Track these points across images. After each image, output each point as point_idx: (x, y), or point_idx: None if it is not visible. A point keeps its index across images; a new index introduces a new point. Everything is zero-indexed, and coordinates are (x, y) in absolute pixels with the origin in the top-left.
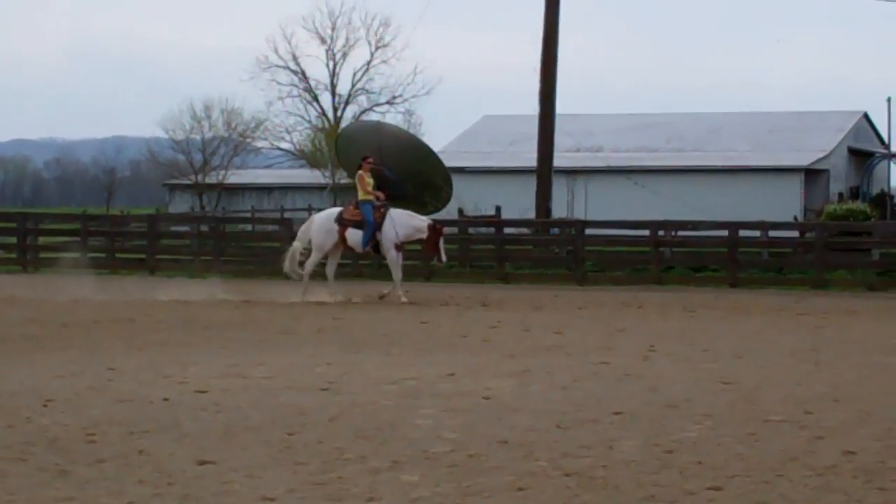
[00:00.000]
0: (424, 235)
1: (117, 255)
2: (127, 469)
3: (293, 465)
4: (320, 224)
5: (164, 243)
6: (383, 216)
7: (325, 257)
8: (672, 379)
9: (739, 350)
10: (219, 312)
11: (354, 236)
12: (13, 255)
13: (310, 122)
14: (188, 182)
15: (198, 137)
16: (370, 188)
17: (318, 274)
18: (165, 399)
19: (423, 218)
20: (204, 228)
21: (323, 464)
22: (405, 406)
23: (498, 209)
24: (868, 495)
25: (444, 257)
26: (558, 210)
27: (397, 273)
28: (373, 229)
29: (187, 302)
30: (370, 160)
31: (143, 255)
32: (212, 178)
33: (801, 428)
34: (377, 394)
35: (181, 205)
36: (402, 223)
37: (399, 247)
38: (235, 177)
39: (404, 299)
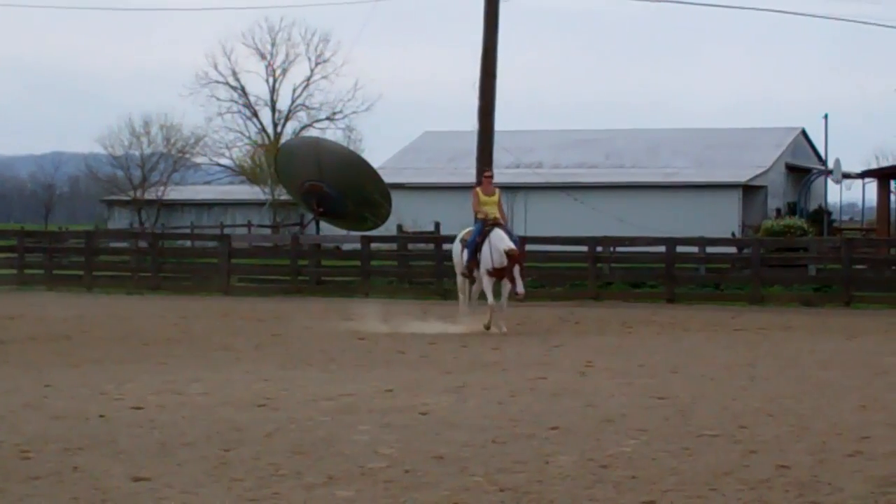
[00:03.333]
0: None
1: (54, 271)
2: (61, 486)
3: (229, 482)
4: (454, 244)
5: (102, 259)
6: (485, 238)
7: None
8: (608, 394)
9: (676, 365)
10: (156, 329)
11: (458, 257)
12: None
13: (249, 137)
14: (127, 198)
15: (137, 153)
16: (482, 206)
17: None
18: (101, 416)
19: (510, 242)
20: (142, 244)
21: (258, 480)
22: (342, 422)
23: (437, 225)
24: None
25: (520, 288)
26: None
27: (490, 298)
28: (471, 252)
29: (124, 318)
30: (488, 173)
31: (80, 272)
32: (151, 194)
33: (735, 442)
34: (314, 410)
35: (120, 221)
36: (498, 247)
37: (494, 273)
38: (175, 193)
39: (504, 329)
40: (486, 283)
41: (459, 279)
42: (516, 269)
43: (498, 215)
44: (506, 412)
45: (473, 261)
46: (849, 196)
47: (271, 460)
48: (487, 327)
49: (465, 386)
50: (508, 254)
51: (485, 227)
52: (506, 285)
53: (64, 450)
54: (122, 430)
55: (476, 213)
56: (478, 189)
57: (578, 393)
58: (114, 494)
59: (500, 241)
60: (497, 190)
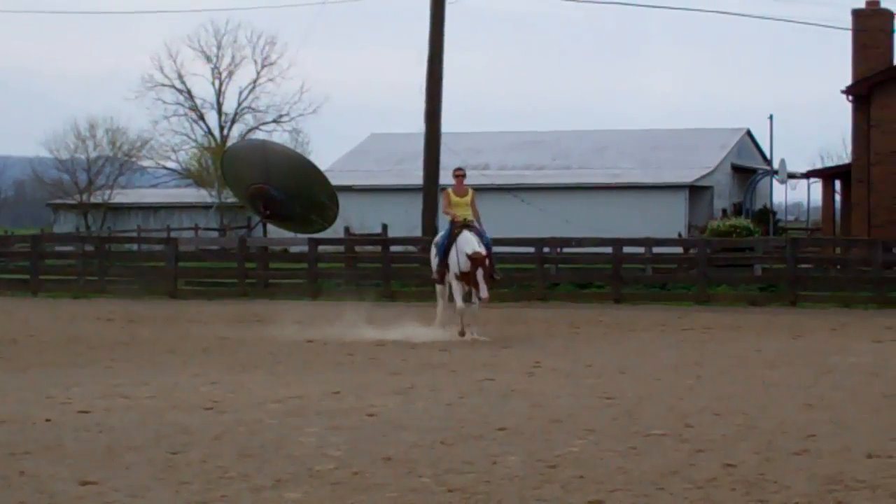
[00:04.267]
0: None
1: (0, 275)
2: (7, 490)
3: (176, 485)
4: (432, 248)
5: (48, 263)
6: (453, 241)
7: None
8: (556, 395)
9: (623, 365)
10: (104, 332)
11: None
12: None
13: (196, 140)
14: (73, 202)
15: (82, 157)
16: (453, 207)
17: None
18: (48, 420)
19: (476, 245)
20: (89, 248)
21: (206, 483)
22: (290, 424)
23: (384, 227)
24: None
25: (483, 293)
26: (445, 228)
27: (458, 303)
28: (441, 256)
29: (71, 322)
30: (460, 172)
31: (26, 276)
32: (97, 198)
33: (682, 441)
34: (262, 412)
35: (66, 225)
36: (464, 251)
37: (462, 277)
38: (121, 196)
39: (476, 335)
40: (456, 288)
41: (438, 285)
42: (479, 273)
43: (470, 217)
44: (454, 413)
45: (444, 265)
46: (794, 196)
47: (219, 463)
48: (462, 334)
49: (413, 387)
50: (471, 257)
51: (454, 229)
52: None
53: (10, 454)
54: (69, 434)
55: (447, 215)
56: (449, 190)
57: (526, 394)
58: (60, 498)
59: (465, 245)
60: (470, 190)
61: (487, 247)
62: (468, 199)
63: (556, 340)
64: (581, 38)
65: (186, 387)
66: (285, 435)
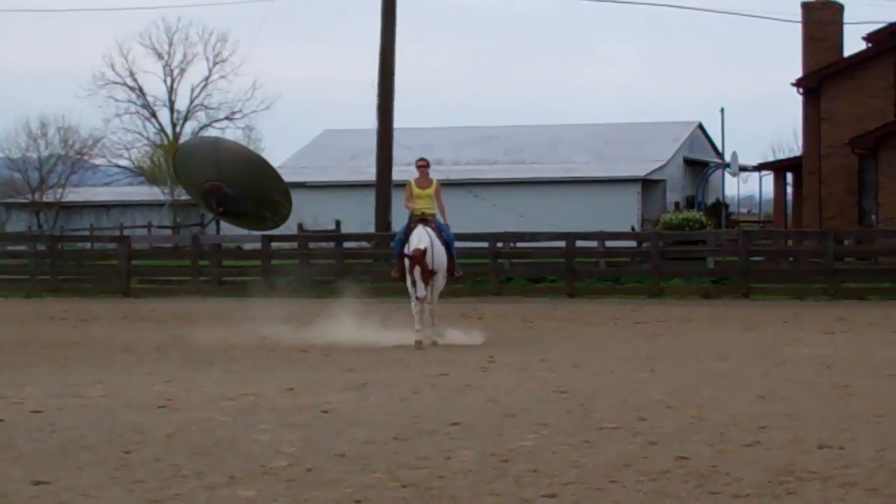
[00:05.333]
0: None
1: None
2: None
3: (130, 484)
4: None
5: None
6: (408, 236)
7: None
8: (509, 389)
9: (576, 359)
10: (56, 332)
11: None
12: None
13: (148, 138)
14: (25, 201)
15: (34, 155)
16: (414, 199)
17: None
18: (0, 420)
19: (424, 241)
20: (41, 247)
21: (160, 481)
22: (243, 422)
23: (338, 223)
24: (699, 499)
25: (420, 292)
26: (399, 223)
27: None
28: (398, 252)
29: (23, 321)
30: (422, 162)
31: None
32: (49, 197)
33: (634, 434)
34: (215, 410)
35: (18, 224)
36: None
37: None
38: (73, 195)
39: (435, 338)
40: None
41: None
42: (416, 272)
43: (432, 209)
44: (408, 409)
45: (400, 261)
46: (746, 189)
47: (173, 461)
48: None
49: (367, 384)
50: (407, 255)
51: (411, 224)
52: (432, 287)
53: None
54: (22, 433)
55: (407, 209)
56: (412, 181)
57: (480, 388)
58: (13, 498)
59: (415, 240)
60: (434, 181)
61: (449, 242)
62: (431, 191)
63: (510, 335)
64: (532, 32)
65: (140, 385)
66: (239, 433)
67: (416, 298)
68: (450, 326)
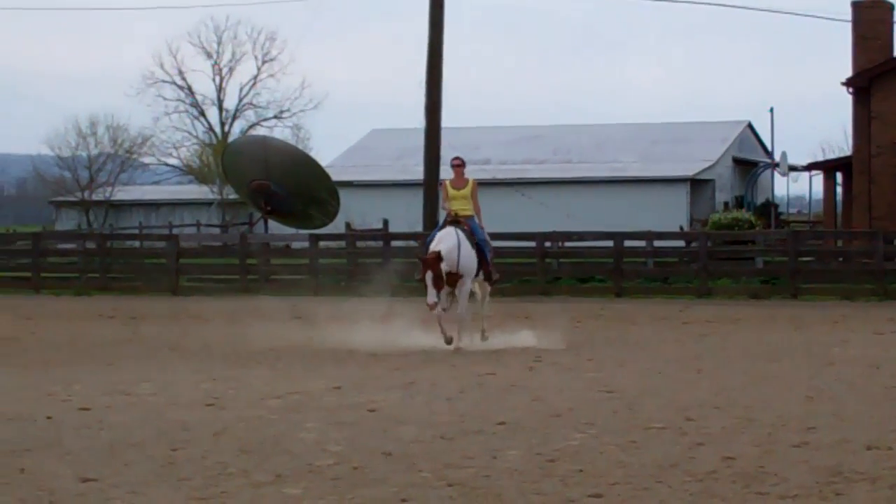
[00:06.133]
0: None
1: (1, 273)
2: (7, 488)
3: (176, 481)
4: None
5: (49, 261)
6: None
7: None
8: (556, 388)
9: (623, 359)
10: (105, 330)
11: None
12: None
13: (197, 137)
14: (75, 199)
15: (84, 154)
16: (450, 200)
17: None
18: (48, 417)
19: (446, 244)
20: (90, 245)
21: (206, 479)
22: (290, 420)
23: (385, 222)
24: (746, 500)
25: (430, 298)
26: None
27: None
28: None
29: (72, 319)
30: (457, 161)
31: (28, 274)
32: (99, 195)
33: (681, 435)
34: (262, 408)
35: (68, 222)
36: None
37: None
38: (123, 193)
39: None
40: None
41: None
42: (428, 276)
43: (468, 210)
44: (454, 408)
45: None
46: (796, 189)
47: (219, 459)
48: (448, 342)
49: (413, 382)
50: (420, 258)
51: (444, 225)
52: (458, 293)
53: (10, 452)
54: (70, 431)
55: (444, 210)
56: (447, 181)
57: (527, 388)
58: (61, 496)
59: (436, 243)
60: (470, 181)
61: (482, 244)
62: (466, 191)
63: (558, 335)
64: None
65: (187, 383)
66: (285, 431)
67: (427, 304)
68: (497, 329)
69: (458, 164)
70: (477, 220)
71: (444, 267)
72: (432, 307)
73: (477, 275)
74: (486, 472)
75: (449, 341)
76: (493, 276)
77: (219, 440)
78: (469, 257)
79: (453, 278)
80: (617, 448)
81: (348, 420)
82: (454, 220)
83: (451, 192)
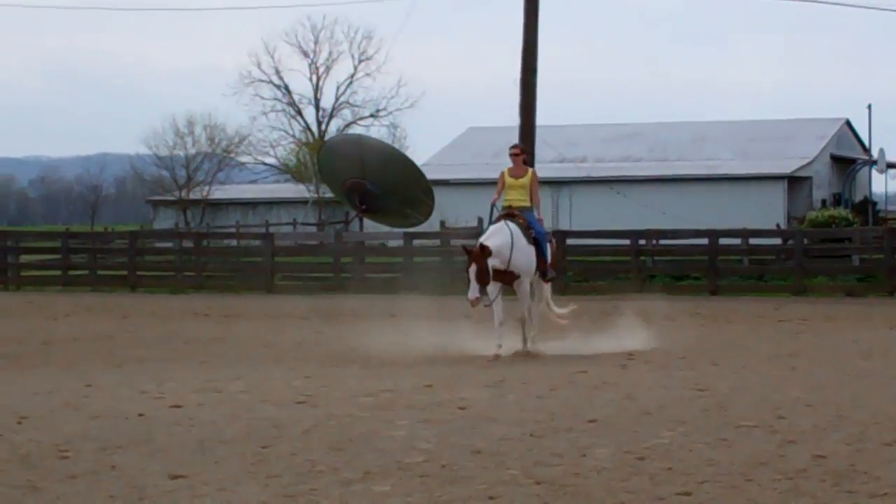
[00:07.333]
0: None
1: (99, 272)
2: (98, 485)
3: (265, 478)
4: None
5: (146, 260)
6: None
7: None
8: (648, 387)
9: (717, 357)
10: (199, 328)
11: None
12: None
13: (294, 136)
14: (172, 198)
15: (181, 153)
16: (507, 190)
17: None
18: (140, 414)
19: (493, 240)
20: (187, 244)
21: (295, 476)
22: (380, 418)
23: (480, 221)
24: (836, 499)
25: (472, 293)
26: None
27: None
28: None
29: (167, 318)
30: (515, 150)
31: (124, 272)
32: (196, 194)
33: (772, 433)
34: (353, 406)
35: (165, 221)
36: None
37: (495, 277)
38: (220, 192)
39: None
40: (490, 289)
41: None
42: (472, 270)
43: (524, 202)
44: (545, 406)
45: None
46: (894, 186)
47: (309, 456)
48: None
49: (504, 380)
50: (465, 249)
51: (497, 219)
52: (517, 293)
53: (102, 449)
54: (161, 428)
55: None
56: (504, 171)
57: (618, 386)
58: (150, 492)
59: (486, 236)
60: (529, 170)
61: (540, 240)
62: (526, 180)
63: (651, 332)
64: (675, 27)
65: (279, 381)
66: (376, 428)
67: (468, 299)
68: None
69: (517, 153)
70: (536, 214)
71: (495, 264)
72: (474, 303)
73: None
74: (574, 470)
75: (499, 347)
76: (550, 275)
77: (309, 438)
78: (525, 254)
79: (508, 277)
80: (707, 446)
81: (438, 418)
82: (509, 214)
83: (509, 180)
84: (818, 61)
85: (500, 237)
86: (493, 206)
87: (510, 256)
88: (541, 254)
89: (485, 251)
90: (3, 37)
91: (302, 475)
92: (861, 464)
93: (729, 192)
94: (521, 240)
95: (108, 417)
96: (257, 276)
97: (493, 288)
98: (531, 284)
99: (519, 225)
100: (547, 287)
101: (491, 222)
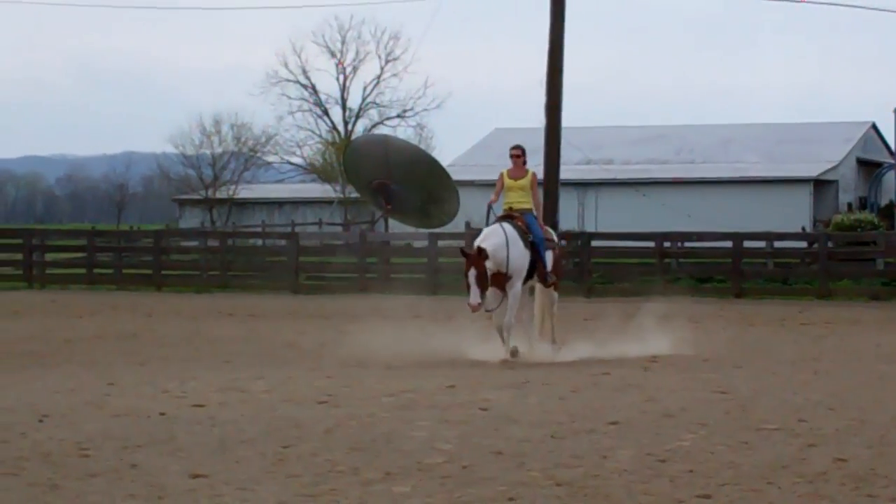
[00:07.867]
0: None
1: (124, 270)
2: (118, 483)
3: (285, 478)
4: None
5: (171, 259)
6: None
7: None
8: (670, 389)
9: (740, 360)
10: (223, 327)
11: None
12: (20, 272)
13: (320, 136)
14: (199, 197)
15: (208, 152)
16: (506, 192)
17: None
18: (162, 413)
19: (488, 242)
20: (212, 243)
21: (315, 476)
22: (402, 418)
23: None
24: (857, 502)
25: (472, 299)
26: (568, 222)
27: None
28: None
29: (192, 317)
30: (516, 151)
31: (149, 271)
32: (222, 193)
33: (794, 436)
34: (374, 406)
35: (191, 220)
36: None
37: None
38: (246, 191)
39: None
40: (489, 293)
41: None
42: (471, 274)
43: (525, 204)
44: (566, 407)
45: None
46: None
47: (329, 456)
48: (513, 353)
49: (527, 382)
50: (462, 251)
51: (494, 221)
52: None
53: (122, 447)
54: (182, 427)
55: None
56: (504, 172)
57: (640, 388)
58: (170, 491)
59: (482, 237)
60: (529, 172)
61: (538, 243)
62: (525, 181)
63: (675, 335)
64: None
65: (301, 381)
66: (397, 429)
67: (468, 305)
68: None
69: (517, 154)
70: (535, 216)
71: (490, 265)
72: (474, 309)
73: (531, 277)
74: (595, 472)
75: (514, 352)
76: (549, 279)
77: (330, 437)
78: (520, 256)
79: (501, 278)
80: (728, 449)
81: (460, 418)
82: (507, 216)
83: (508, 182)
84: (845, 65)
85: (494, 239)
86: (489, 207)
87: (507, 259)
88: (539, 258)
89: (482, 254)
90: (30, 35)
91: (322, 475)
92: (882, 467)
93: (755, 194)
94: (517, 242)
95: (129, 416)
96: (282, 276)
97: (494, 295)
98: (540, 292)
99: (516, 227)
100: (555, 297)
101: (488, 224)
